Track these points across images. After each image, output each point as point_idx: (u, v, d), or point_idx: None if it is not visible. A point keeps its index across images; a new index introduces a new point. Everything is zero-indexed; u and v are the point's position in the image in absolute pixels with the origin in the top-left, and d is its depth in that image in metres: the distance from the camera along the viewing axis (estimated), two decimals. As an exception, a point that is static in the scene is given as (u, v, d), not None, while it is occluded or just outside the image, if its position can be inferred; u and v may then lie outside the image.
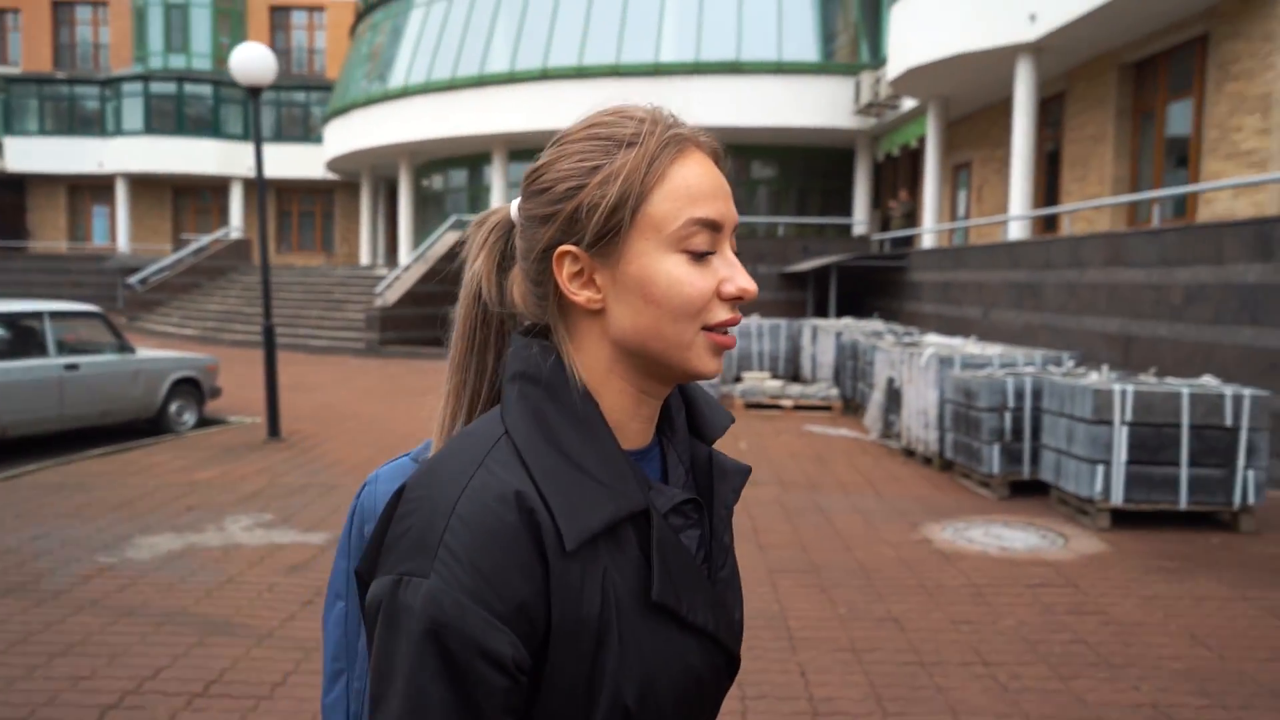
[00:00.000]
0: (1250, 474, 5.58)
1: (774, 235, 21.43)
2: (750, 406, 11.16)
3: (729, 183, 0.91)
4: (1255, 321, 7.03)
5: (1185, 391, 5.58)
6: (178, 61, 31.85)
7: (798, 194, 23.29)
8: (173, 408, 9.38)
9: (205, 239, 26.17)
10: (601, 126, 0.89)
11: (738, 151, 23.16)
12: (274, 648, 3.92)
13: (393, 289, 18.30)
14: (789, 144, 22.59)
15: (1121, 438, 5.62)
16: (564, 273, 0.88)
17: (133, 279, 24.26)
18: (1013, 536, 5.67)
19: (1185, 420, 5.56)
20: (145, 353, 9.48)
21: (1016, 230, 13.84)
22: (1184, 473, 5.60)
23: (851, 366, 11.04)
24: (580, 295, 0.88)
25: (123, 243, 32.18)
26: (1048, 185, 15.65)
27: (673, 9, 21.52)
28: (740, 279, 0.88)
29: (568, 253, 0.87)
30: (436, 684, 0.78)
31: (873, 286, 17.84)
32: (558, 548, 0.81)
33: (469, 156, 24.81)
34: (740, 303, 0.89)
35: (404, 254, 25.34)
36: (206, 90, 31.88)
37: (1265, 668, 3.81)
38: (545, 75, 21.55)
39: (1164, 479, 5.61)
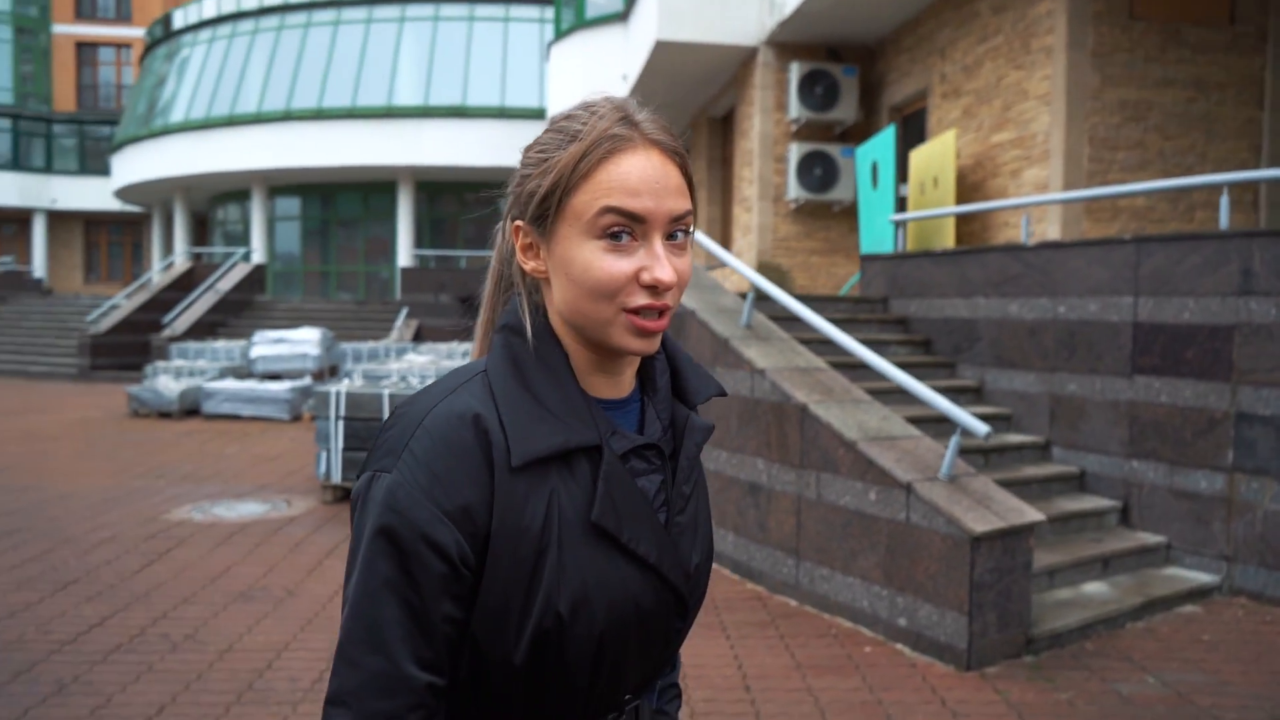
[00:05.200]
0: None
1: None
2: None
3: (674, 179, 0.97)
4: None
5: (385, 393, 7.12)
6: (-22, 94, 32.38)
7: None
8: None
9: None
10: (565, 120, 0.99)
11: (475, 189, 24.75)
12: None
13: (107, 318, 19.28)
14: (528, 182, 24.21)
15: (339, 430, 7.12)
16: (519, 243, 1.01)
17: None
18: (248, 508, 7.11)
19: (385, 415, 7.08)
20: None
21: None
22: (386, 457, 7.09)
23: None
24: (528, 264, 1.01)
25: (-81, 271, 32.40)
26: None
27: (406, 58, 23.05)
28: (657, 270, 0.95)
29: (519, 227, 1.01)
30: (384, 560, 0.91)
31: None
32: (505, 464, 0.94)
33: (234, 191, 25.93)
34: (658, 291, 0.95)
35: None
36: (6, 124, 32.43)
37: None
38: (288, 116, 22.85)
39: (372, 462, 7.09)
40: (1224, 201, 5.34)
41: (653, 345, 0.98)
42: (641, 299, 0.95)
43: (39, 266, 32.89)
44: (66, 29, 33.96)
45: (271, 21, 24.28)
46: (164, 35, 27.05)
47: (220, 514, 6.96)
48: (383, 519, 0.91)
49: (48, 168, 33.03)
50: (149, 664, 4.09)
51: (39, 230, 33.26)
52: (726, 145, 14.94)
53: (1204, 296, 5.17)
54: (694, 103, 14.95)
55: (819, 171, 11.51)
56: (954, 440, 4.32)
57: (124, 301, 20.68)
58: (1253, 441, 4.97)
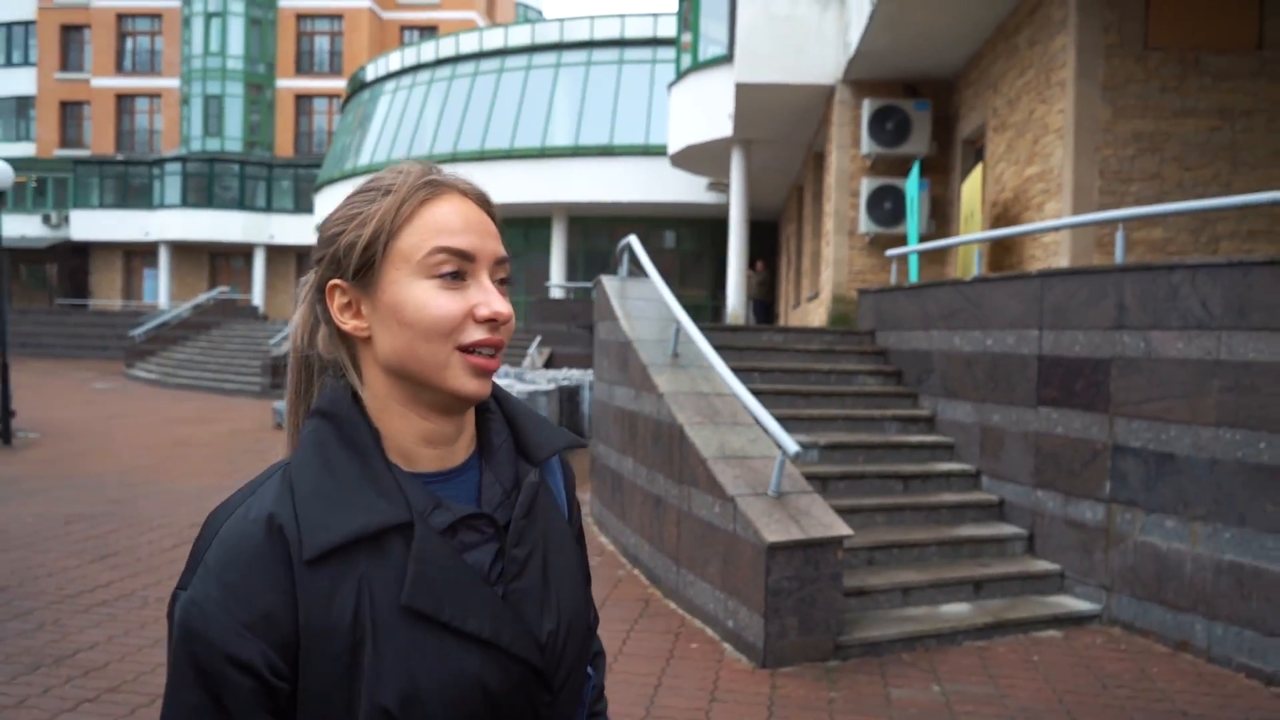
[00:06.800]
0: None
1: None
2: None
3: (498, 228, 1.03)
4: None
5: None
6: (213, 144, 36.77)
7: (679, 260, 25.80)
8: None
9: (201, 297, 30.45)
10: (373, 181, 1.01)
11: (623, 223, 25.89)
12: None
13: (287, 341, 21.61)
14: (673, 216, 25.16)
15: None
16: (335, 305, 0.98)
17: (134, 331, 28.53)
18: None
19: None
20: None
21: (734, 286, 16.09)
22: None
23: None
24: (348, 324, 0.98)
25: (164, 301, 37.02)
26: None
27: (560, 101, 24.56)
28: (495, 303, 0.96)
29: (336, 286, 0.98)
30: (189, 686, 0.88)
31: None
32: (301, 559, 0.90)
33: (413, 227, 28.29)
34: (495, 326, 0.97)
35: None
36: (234, 169, 36.65)
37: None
38: (454, 158, 24.80)
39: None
40: (1119, 236, 5.43)
41: (487, 388, 0.98)
42: (478, 334, 0.95)
43: (257, 295, 36.81)
44: (288, 83, 38.04)
45: (444, 72, 26.49)
46: (359, 86, 29.96)
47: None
48: (182, 643, 0.89)
49: (268, 207, 36.99)
50: (115, 615, 5.13)
51: (259, 263, 37.27)
52: (823, 181, 15.25)
53: (1090, 330, 5.30)
54: (799, 139, 15.36)
55: (889, 205, 11.69)
56: (779, 459, 4.73)
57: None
58: (1125, 473, 5.05)
